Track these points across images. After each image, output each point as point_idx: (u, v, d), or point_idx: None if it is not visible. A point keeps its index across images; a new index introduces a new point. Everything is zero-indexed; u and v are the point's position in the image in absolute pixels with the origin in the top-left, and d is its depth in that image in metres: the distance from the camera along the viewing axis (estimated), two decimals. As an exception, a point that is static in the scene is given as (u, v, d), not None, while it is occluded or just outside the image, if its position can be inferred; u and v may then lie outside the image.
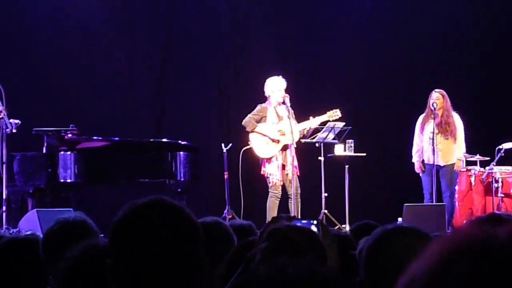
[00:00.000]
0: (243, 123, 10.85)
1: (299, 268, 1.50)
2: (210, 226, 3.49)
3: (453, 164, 11.00)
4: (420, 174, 11.11)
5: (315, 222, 2.85)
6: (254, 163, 10.89)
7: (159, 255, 2.18)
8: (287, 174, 10.65)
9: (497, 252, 0.95)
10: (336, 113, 10.79)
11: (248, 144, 10.81)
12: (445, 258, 0.96)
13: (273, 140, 10.71)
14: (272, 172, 10.71)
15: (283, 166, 10.71)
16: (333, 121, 10.83)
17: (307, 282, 1.47)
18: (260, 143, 10.76)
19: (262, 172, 10.78)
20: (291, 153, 10.63)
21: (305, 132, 10.82)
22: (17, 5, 13.01)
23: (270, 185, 10.73)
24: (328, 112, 10.79)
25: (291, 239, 2.54)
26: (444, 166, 10.97)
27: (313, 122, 10.77)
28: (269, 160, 10.73)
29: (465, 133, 11.09)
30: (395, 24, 13.51)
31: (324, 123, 10.85)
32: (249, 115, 10.84)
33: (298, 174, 10.71)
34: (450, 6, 13.37)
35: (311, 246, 2.61)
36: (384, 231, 2.85)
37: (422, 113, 11.15)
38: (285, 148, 10.69)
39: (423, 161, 11.04)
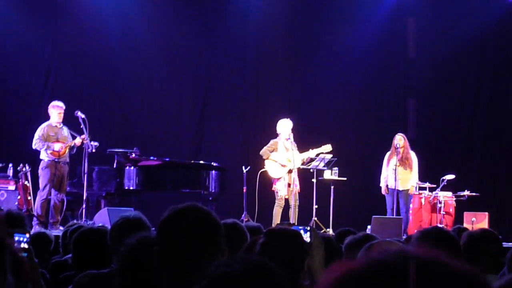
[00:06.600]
0: (260, 153, 10.79)
1: (246, 260, 1.48)
2: (229, 226, 3.47)
3: (409, 189, 10.96)
4: (385, 195, 11.07)
5: (308, 228, 2.85)
6: (266, 183, 10.85)
7: (192, 245, 2.19)
8: (291, 191, 10.62)
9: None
10: (328, 147, 10.74)
11: (264, 168, 10.79)
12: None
13: (282, 165, 10.68)
14: (280, 188, 10.63)
15: (289, 185, 10.67)
16: (325, 153, 10.81)
17: (249, 271, 1.45)
18: (273, 167, 10.71)
19: (273, 188, 10.72)
20: (293, 175, 10.62)
21: (305, 160, 10.76)
22: (100, 56, 13.08)
23: (277, 197, 10.68)
24: (322, 146, 10.74)
25: (279, 237, 2.59)
26: (402, 190, 10.91)
27: (312, 152, 10.73)
28: (278, 179, 10.70)
29: (418, 167, 11.06)
30: (368, 87, 13.53)
31: (317, 155, 10.82)
32: (265, 147, 10.79)
33: (299, 190, 10.68)
34: (407, 71, 13.38)
35: (294, 244, 2.64)
36: (372, 243, 2.85)
37: (388, 150, 11.12)
38: (290, 171, 10.66)
39: (387, 185, 11.00)
